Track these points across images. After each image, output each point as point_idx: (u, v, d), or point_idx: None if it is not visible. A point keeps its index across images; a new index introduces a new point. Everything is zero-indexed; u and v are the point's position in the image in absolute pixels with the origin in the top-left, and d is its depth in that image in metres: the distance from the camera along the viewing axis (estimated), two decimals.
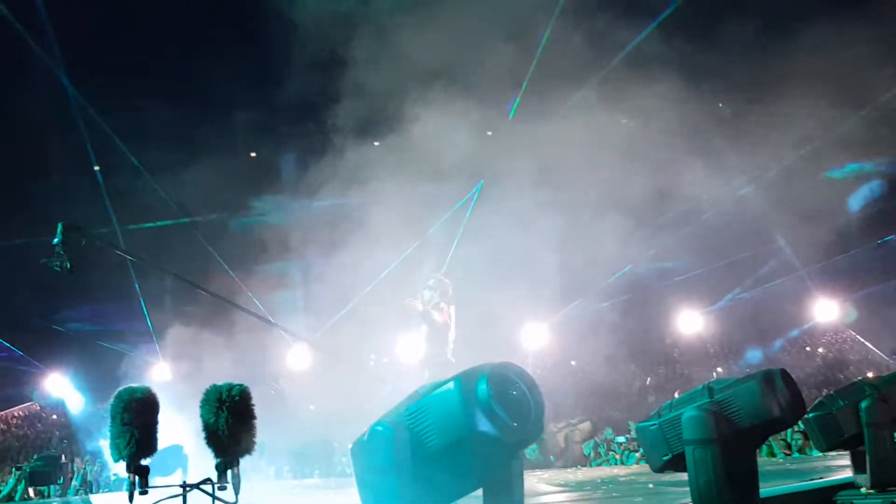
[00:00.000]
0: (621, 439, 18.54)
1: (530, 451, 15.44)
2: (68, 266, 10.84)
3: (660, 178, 15.69)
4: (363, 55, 16.24)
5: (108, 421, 3.99)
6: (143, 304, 19.36)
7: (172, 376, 18.87)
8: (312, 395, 19.34)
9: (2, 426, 32.81)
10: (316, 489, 9.70)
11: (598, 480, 9.31)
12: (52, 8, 17.38)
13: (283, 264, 20.23)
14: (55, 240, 10.81)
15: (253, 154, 20.84)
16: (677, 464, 5.49)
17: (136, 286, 16.25)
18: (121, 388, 4.01)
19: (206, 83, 19.11)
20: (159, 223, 20.15)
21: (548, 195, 16.07)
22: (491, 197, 17.56)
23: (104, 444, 21.57)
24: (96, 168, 18.92)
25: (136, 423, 3.93)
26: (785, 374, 5.36)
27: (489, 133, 17.21)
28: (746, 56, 17.01)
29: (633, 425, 17.27)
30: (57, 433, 28.89)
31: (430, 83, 16.02)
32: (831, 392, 6.83)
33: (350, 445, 4.63)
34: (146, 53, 19.56)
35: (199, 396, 4.16)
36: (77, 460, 18.80)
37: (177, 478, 4.28)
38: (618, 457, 17.90)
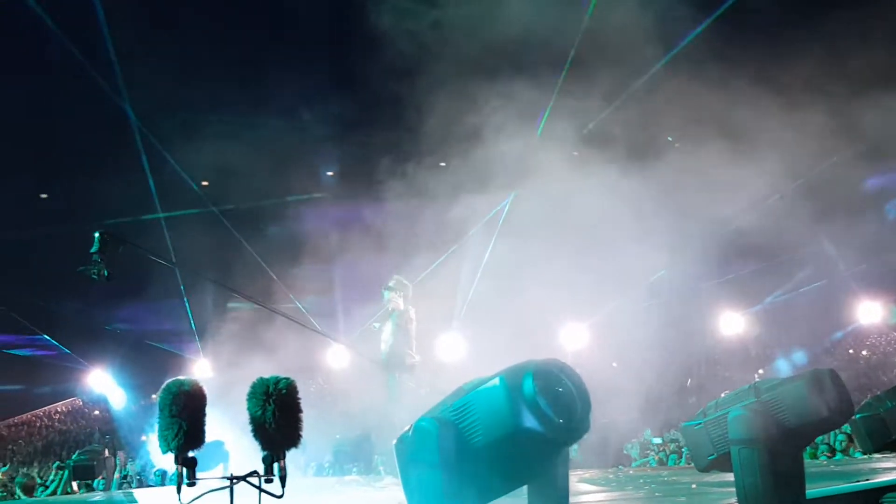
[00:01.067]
0: (658, 440, 18.40)
1: (573, 451, 15.34)
2: (105, 274, 10.95)
3: (702, 178, 15.54)
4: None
5: (157, 413, 4.01)
6: (186, 303, 19.58)
7: (213, 373, 19.02)
8: (351, 392, 19.41)
9: (45, 421, 33.37)
10: (356, 485, 9.75)
11: (640, 480, 9.25)
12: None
13: (322, 266, 20.38)
14: (92, 248, 10.93)
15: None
16: (723, 464, 5.44)
17: (182, 286, 16.44)
18: (169, 381, 4.03)
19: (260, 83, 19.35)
20: (193, 210, 20.35)
21: (586, 197, 15.99)
22: (528, 201, 17.53)
23: (145, 440, 21.92)
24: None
25: (184, 414, 3.95)
26: (834, 375, 5.31)
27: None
28: (788, 56, 16.85)
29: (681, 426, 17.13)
30: (99, 428, 29.32)
31: (466, 101, 16.09)
32: (878, 394, 6.74)
33: (394, 442, 4.64)
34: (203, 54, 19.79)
35: (239, 393, 4.19)
36: (120, 454, 19.01)
37: (219, 472, 4.29)
38: (656, 457, 17.79)
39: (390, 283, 11.73)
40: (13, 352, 25.87)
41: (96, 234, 10.91)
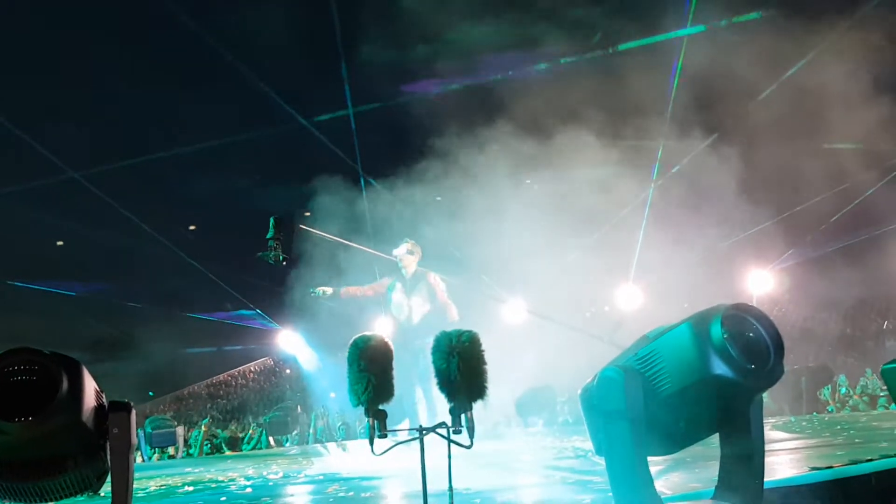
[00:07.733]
0: (844, 388, 17.69)
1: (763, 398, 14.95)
2: (281, 258, 11.24)
3: None
4: None
5: (346, 368, 4.12)
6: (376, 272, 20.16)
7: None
8: (529, 346, 19.49)
9: (241, 380, 35.32)
10: (541, 436, 9.82)
11: (838, 426, 8.89)
12: None
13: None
14: (268, 233, 11.19)
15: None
16: None
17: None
18: (356, 336, 4.14)
19: None
20: None
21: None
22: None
23: (334, 396, 22.78)
24: None
25: (373, 368, 4.05)
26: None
27: None
28: None
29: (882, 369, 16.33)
30: (290, 386, 30.75)
31: None
32: None
33: (579, 391, 4.61)
34: None
35: None
36: (311, 411, 19.84)
37: (405, 426, 4.37)
38: (859, 399, 17.14)
39: (407, 247, 11.32)
40: (233, 322, 27.43)
41: (271, 219, 11.20)
